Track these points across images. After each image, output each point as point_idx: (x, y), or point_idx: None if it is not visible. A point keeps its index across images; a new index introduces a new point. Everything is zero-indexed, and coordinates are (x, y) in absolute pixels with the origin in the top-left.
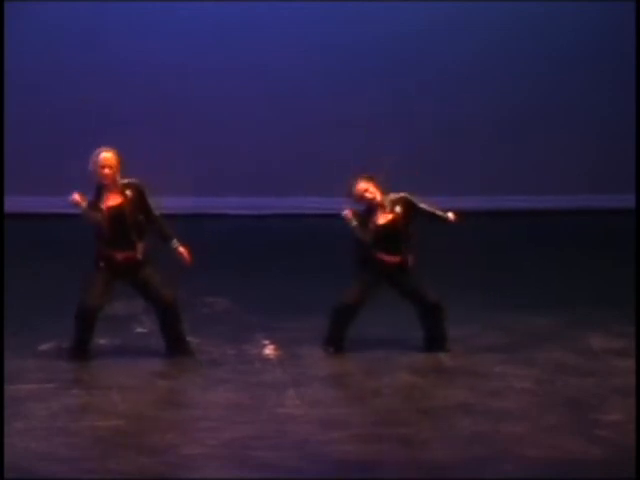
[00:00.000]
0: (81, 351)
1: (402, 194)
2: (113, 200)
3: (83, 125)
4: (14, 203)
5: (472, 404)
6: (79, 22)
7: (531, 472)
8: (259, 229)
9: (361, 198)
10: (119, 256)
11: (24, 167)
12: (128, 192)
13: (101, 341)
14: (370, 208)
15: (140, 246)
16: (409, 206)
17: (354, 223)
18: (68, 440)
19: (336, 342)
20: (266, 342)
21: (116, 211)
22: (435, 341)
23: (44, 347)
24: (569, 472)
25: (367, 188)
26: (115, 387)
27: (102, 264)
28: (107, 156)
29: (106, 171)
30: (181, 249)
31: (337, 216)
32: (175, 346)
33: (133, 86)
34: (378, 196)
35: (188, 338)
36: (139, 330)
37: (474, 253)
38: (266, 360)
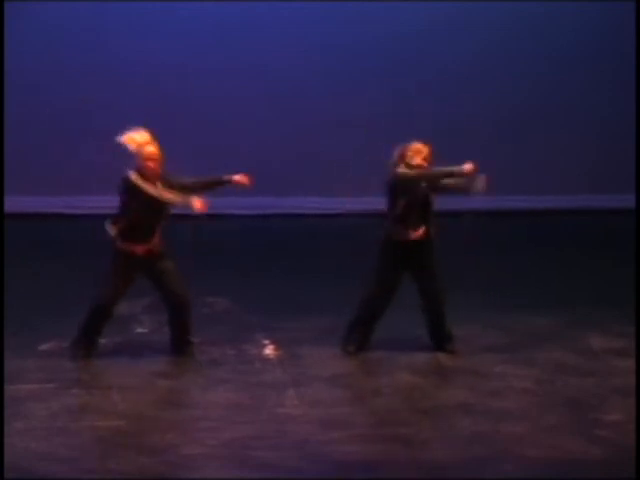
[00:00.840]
0: (86, 349)
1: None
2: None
3: (83, 125)
4: (14, 203)
5: (472, 404)
6: (79, 22)
7: (531, 472)
8: (259, 229)
9: (412, 158)
10: (140, 249)
11: (24, 167)
12: (159, 183)
13: (101, 341)
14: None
15: (158, 236)
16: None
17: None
18: (68, 440)
19: (359, 341)
20: (266, 342)
21: (157, 200)
22: (435, 340)
23: (44, 347)
24: (569, 472)
25: (422, 151)
26: (115, 387)
27: (121, 260)
28: (153, 151)
29: (150, 164)
30: (237, 177)
31: (337, 216)
32: (177, 345)
33: (133, 86)
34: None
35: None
36: (139, 330)
37: (474, 253)
38: (266, 360)
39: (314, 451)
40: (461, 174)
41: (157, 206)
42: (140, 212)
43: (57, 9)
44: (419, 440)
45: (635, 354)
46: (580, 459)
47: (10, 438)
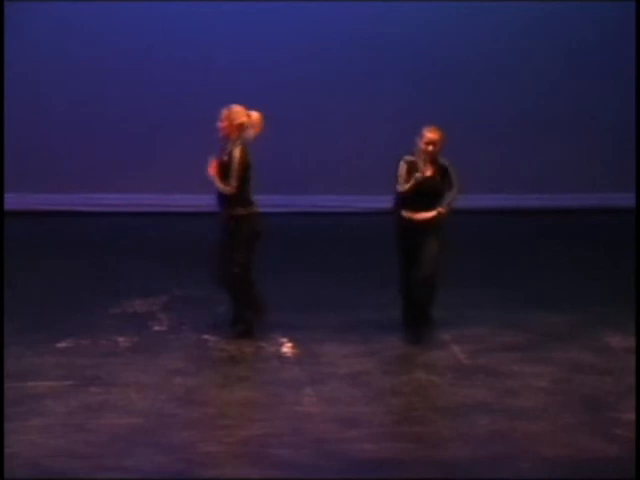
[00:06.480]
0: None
1: (448, 163)
2: None
3: (86, 123)
4: (15, 201)
5: (489, 403)
6: (79, 22)
7: (548, 471)
8: (277, 227)
9: (425, 146)
10: None
11: (26, 164)
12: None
13: (119, 339)
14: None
15: None
16: (446, 175)
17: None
18: (86, 437)
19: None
20: (284, 340)
21: None
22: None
23: (62, 344)
24: (586, 471)
25: (434, 141)
26: (133, 385)
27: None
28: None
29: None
30: None
31: (355, 214)
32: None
33: (134, 85)
34: (434, 149)
35: (206, 336)
36: (157, 328)
37: (480, 250)
38: (284, 358)
39: (332, 449)
40: None
41: None
42: None
43: (57, 9)
44: (437, 439)
45: (636, 353)
46: (597, 458)
47: (28, 435)
